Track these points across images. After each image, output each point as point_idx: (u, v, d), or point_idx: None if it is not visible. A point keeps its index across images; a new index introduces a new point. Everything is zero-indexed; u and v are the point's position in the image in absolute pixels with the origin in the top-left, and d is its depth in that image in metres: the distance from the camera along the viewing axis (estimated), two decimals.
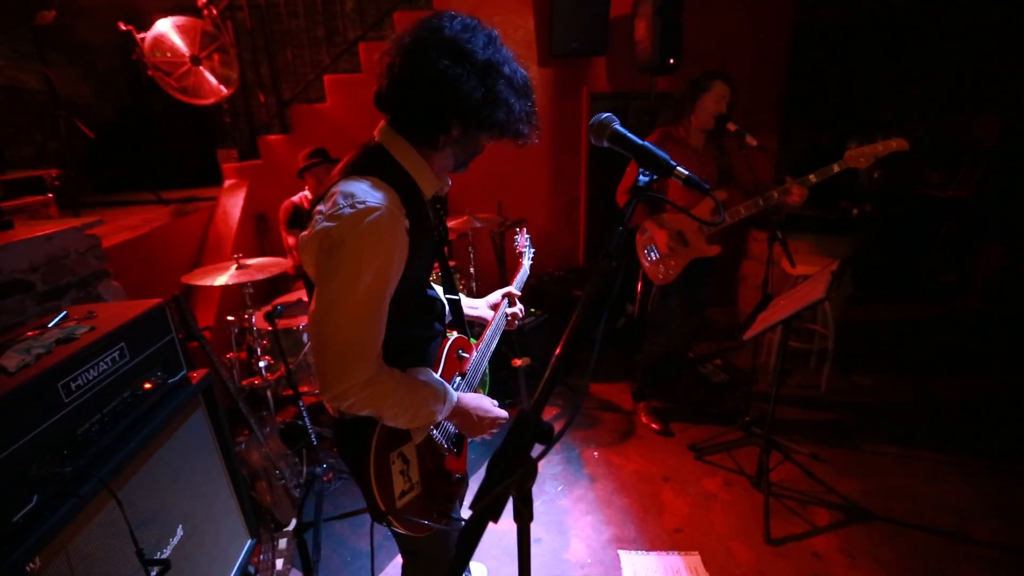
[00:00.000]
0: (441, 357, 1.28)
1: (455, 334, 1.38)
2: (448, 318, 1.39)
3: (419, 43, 0.97)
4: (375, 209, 0.92)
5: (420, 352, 1.23)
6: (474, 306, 1.55)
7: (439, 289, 1.41)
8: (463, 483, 1.36)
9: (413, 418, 1.07)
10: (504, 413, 1.29)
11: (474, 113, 0.98)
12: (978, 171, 4.45)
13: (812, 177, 2.30)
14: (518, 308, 1.58)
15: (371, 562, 1.44)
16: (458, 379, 1.34)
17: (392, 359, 1.06)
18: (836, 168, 2.23)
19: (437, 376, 1.18)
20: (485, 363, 1.45)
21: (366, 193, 0.94)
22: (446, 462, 1.30)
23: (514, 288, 1.61)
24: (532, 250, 1.82)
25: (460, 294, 1.48)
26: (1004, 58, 4.42)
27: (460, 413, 1.19)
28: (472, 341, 1.44)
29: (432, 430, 1.22)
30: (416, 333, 1.21)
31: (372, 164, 1.02)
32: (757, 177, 2.46)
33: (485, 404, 1.27)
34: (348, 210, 0.91)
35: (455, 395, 1.17)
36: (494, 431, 1.28)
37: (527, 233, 1.84)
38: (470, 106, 0.97)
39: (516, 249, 1.83)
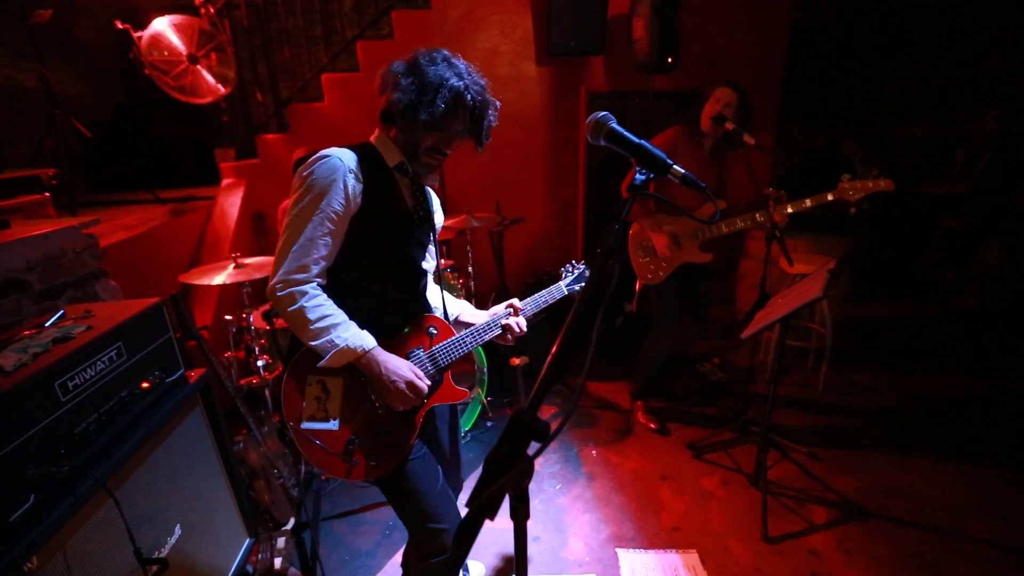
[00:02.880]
0: (405, 325, 1.40)
1: (430, 314, 1.48)
2: (422, 301, 1.52)
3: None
4: (327, 155, 1.24)
5: (381, 309, 1.37)
6: (477, 315, 1.62)
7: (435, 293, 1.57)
8: (398, 452, 1.35)
9: (318, 334, 1.22)
10: (424, 388, 1.32)
11: (394, 101, 1.25)
12: (976, 168, 4.46)
13: (808, 202, 2.48)
14: (515, 321, 1.52)
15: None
16: (419, 351, 1.41)
17: (353, 305, 1.29)
18: (830, 197, 2.46)
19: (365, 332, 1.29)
20: (458, 355, 1.46)
21: (327, 149, 1.25)
22: (383, 419, 1.33)
23: (521, 303, 1.57)
24: (583, 283, 1.67)
25: (461, 299, 1.65)
26: (1001, 55, 4.44)
27: (369, 363, 1.26)
28: (451, 327, 1.50)
29: (366, 379, 1.31)
30: (379, 289, 1.37)
31: (354, 144, 1.33)
32: (755, 175, 2.47)
33: (401, 367, 1.30)
34: (312, 159, 1.24)
35: (368, 342, 1.26)
36: (407, 404, 1.30)
37: (582, 265, 1.71)
38: (391, 100, 1.26)
39: (560, 274, 1.72)
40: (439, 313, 1.56)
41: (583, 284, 1.66)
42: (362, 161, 1.27)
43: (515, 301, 1.57)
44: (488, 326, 1.50)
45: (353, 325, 1.27)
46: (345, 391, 1.28)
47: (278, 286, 1.22)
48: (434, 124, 1.24)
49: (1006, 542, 2.13)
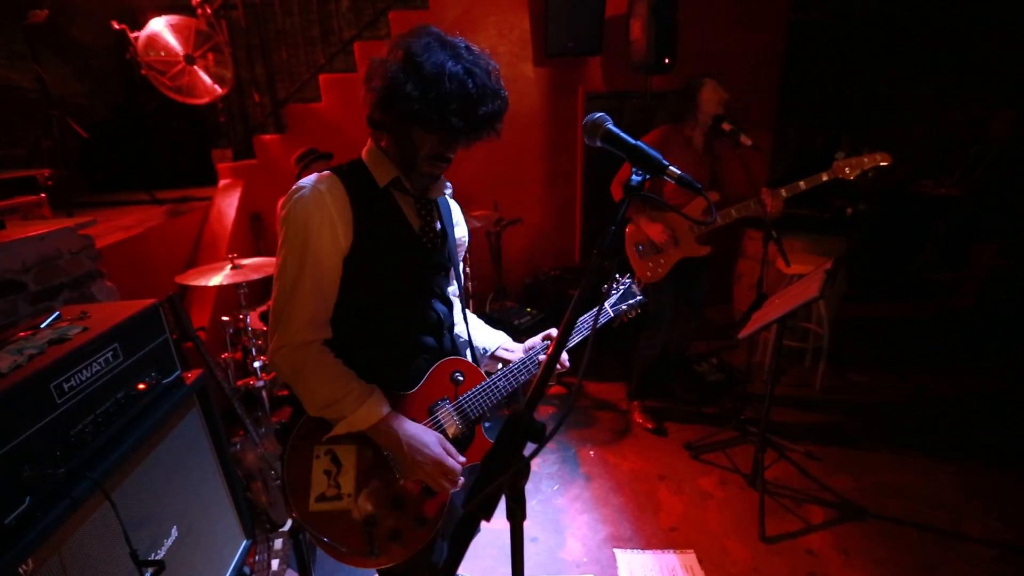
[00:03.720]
0: (426, 373, 1.19)
1: (452, 357, 1.24)
2: (481, 343, 1.36)
3: None
4: (301, 188, 1.07)
5: (397, 359, 1.18)
6: (510, 349, 1.39)
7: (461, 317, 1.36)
8: (426, 528, 1.15)
9: (324, 403, 1.06)
10: (457, 466, 1.10)
11: (380, 101, 1.05)
12: (978, 169, 4.47)
13: (802, 184, 2.41)
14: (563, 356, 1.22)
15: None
16: (445, 403, 1.20)
17: (362, 358, 1.13)
18: (824, 177, 2.37)
19: (373, 389, 1.10)
20: (489, 404, 1.24)
21: (305, 180, 1.08)
22: (405, 491, 1.13)
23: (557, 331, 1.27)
24: (638, 298, 1.42)
25: (490, 328, 1.43)
26: (1003, 55, 4.44)
27: (387, 434, 1.07)
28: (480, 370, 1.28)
29: (385, 450, 1.12)
30: (394, 336, 1.18)
31: (339, 165, 1.15)
32: (752, 176, 2.47)
33: (428, 440, 1.09)
34: (287, 197, 1.08)
35: (380, 408, 1.08)
36: (440, 483, 1.09)
37: (628, 280, 1.45)
38: (377, 96, 1.05)
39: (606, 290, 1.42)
40: (482, 348, 1.37)
41: (631, 302, 1.42)
42: (347, 187, 1.08)
43: (553, 331, 1.32)
44: (523, 364, 1.26)
45: (364, 388, 1.08)
46: (359, 461, 1.09)
47: (279, 352, 1.06)
48: (433, 123, 1.01)
49: (1004, 542, 2.14)
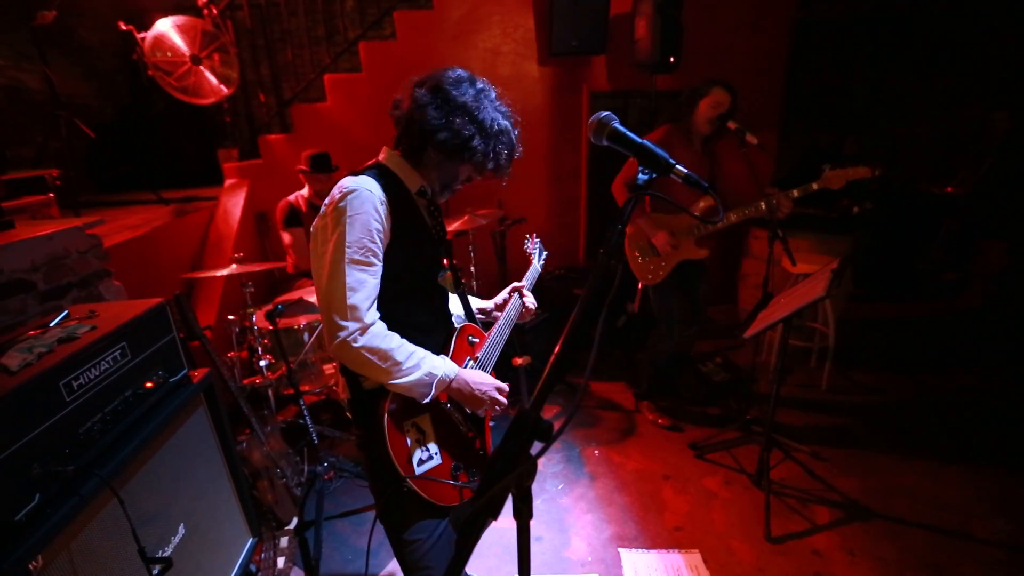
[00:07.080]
0: (451, 343, 1.41)
1: (465, 323, 1.51)
2: (456, 312, 1.56)
3: (416, 84, 1.25)
4: (353, 189, 1.17)
5: (427, 329, 1.38)
6: (484, 307, 1.68)
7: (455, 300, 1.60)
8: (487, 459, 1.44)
9: (407, 375, 1.19)
10: (504, 386, 1.38)
11: (440, 144, 1.21)
12: (981, 169, 4.44)
13: (795, 192, 2.49)
14: (530, 300, 1.66)
15: (366, 559, 1.43)
16: (470, 362, 1.43)
17: (402, 334, 1.25)
18: (815, 186, 2.48)
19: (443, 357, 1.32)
20: (497, 352, 1.53)
21: (351, 181, 1.20)
22: (468, 435, 1.39)
23: (522, 283, 1.70)
24: (545, 253, 1.95)
25: (468, 294, 1.65)
26: (1006, 56, 4.41)
27: (460, 385, 1.29)
28: (482, 330, 1.57)
29: (447, 405, 1.35)
30: (425, 313, 1.38)
31: (368, 168, 1.29)
32: (758, 175, 2.46)
33: (484, 378, 1.35)
34: (337, 194, 1.18)
35: (453, 366, 1.30)
36: (497, 407, 1.36)
37: (537, 238, 1.98)
38: (436, 139, 1.20)
39: (526, 252, 1.93)
40: (459, 317, 1.58)
41: (545, 255, 1.94)
42: (387, 191, 1.22)
43: (517, 284, 1.69)
44: (509, 318, 1.58)
45: (431, 354, 1.27)
46: (434, 423, 1.31)
47: (354, 336, 1.14)
48: (488, 168, 1.27)
49: (1012, 543, 2.12)
